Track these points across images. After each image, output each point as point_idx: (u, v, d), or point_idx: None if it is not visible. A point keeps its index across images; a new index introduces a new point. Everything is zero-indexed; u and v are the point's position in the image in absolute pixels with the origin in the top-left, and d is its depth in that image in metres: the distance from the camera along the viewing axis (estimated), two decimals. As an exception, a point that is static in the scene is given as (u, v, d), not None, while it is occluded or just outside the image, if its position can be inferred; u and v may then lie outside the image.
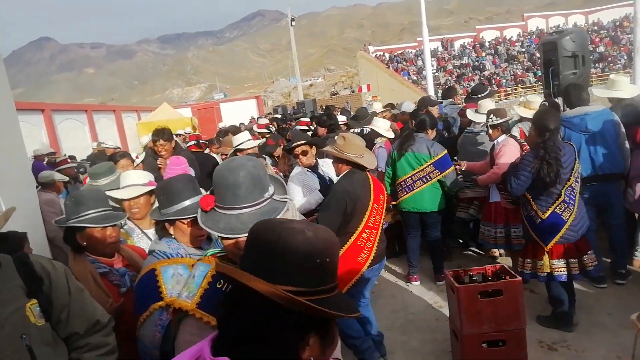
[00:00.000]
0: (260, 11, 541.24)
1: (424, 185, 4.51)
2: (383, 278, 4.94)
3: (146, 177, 3.02)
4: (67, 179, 5.88)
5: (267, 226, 0.93)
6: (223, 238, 1.41)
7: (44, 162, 8.92)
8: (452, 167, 4.55)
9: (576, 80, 5.21)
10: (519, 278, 3.08)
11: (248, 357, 0.86)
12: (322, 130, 5.85)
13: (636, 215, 4.50)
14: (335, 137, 3.37)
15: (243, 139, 4.57)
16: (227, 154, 4.93)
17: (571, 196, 3.41)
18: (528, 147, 3.89)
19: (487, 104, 4.94)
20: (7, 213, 1.77)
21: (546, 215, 3.40)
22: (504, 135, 4.23)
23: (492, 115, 4.24)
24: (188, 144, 7.21)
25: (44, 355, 1.49)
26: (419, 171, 4.50)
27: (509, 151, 4.09)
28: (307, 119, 7.34)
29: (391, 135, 5.27)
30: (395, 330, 3.91)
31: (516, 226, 4.19)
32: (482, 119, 4.69)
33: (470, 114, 4.95)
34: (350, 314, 0.94)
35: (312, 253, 0.88)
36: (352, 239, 3.17)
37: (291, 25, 25.77)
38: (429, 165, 4.48)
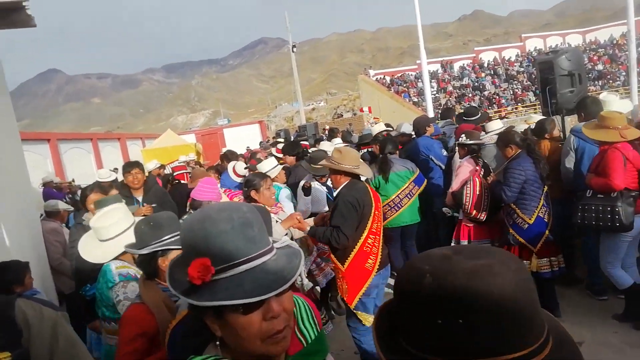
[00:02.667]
0: (262, 39, 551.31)
1: (409, 202, 4.89)
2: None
3: (124, 215, 2.70)
4: (72, 208, 5.93)
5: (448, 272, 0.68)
6: (244, 306, 0.94)
7: (54, 189, 9.05)
8: (425, 182, 5.05)
9: (573, 99, 5.27)
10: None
11: None
12: (290, 159, 5.92)
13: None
14: (332, 152, 3.63)
15: (270, 166, 4.58)
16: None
17: (547, 200, 3.91)
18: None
19: (495, 125, 5.12)
20: None
21: (532, 220, 3.86)
22: (468, 155, 4.53)
23: (463, 135, 4.59)
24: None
25: None
26: (404, 189, 4.87)
27: (462, 172, 4.42)
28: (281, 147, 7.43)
29: None
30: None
31: (477, 242, 4.41)
32: (487, 139, 4.83)
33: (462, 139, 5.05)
34: None
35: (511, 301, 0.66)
36: (359, 245, 3.30)
37: (292, 51, 26.21)
38: (411, 182, 4.90)
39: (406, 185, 4.86)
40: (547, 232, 3.92)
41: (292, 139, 15.60)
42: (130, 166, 4.70)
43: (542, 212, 3.89)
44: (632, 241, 3.72)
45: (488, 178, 4.28)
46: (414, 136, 6.26)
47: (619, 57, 38.11)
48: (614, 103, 4.43)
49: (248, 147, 19.22)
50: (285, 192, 4.50)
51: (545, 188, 3.93)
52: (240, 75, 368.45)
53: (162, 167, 9.72)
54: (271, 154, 7.24)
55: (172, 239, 2.05)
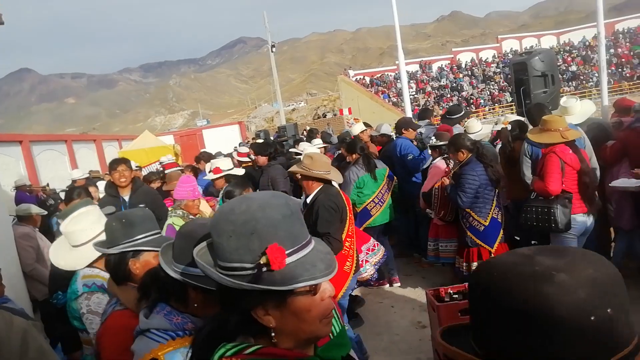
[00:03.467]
0: (241, 38, 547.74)
1: (389, 196, 5.03)
2: (367, 302, 4.93)
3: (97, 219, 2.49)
4: (45, 212, 5.78)
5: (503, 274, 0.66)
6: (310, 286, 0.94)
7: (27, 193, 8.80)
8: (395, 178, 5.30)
9: (547, 99, 5.38)
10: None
11: None
12: (262, 160, 5.77)
13: (612, 230, 4.60)
14: (302, 158, 3.65)
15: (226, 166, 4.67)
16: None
17: (499, 202, 4.09)
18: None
19: (475, 125, 5.23)
20: None
21: (487, 221, 4.02)
22: (440, 157, 4.67)
23: (433, 137, 4.72)
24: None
25: None
26: (384, 184, 5.00)
27: (433, 173, 4.58)
28: (246, 150, 7.29)
29: None
30: (379, 353, 3.88)
31: (445, 240, 4.60)
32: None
33: (432, 141, 5.23)
34: None
35: (585, 307, 0.59)
36: None
37: (272, 51, 26.10)
38: (386, 177, 5.07)
39: (385, 181, 5.03)
40: (501, 232, 4.09)
41: (271, 139, 15.57)
42: (117, 163, 4.44)
43: (495, 213, 4.06)
44: (581, 238, 3.78)
45: (443, 180, 4.38)
46: (394, 137, 6.30)
47: (591, 59, 39.14)
48: (575, 107, 4.49)
49: (236, 147, 19.02)
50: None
51: (497, 190, 4.11)
52: (219, 75, 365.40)
53: (139, 169, 9.55)
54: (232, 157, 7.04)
55: (146, 239, 1.88)
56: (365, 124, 6.99)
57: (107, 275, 2.02)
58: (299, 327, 0.96)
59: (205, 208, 4.23)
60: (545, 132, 3.71)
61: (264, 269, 0.92)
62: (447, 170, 4.47)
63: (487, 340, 0.69)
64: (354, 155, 5.06)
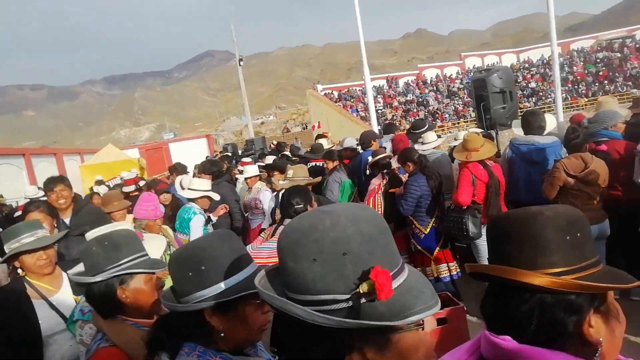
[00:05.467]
0: (209, 52, 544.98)
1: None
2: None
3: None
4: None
5: (502, 217, 0.90)
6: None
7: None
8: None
9: (505, 114, 5.58)
10: (462, 305, 3.18)
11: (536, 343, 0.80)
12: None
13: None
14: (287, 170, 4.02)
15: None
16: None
17: (442, 212, 4.33)
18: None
19: (430, 136, 5.43)
20: None
21: (428, 230, 4.27)
22: (380, 172, 4.90)
23: (369, 157, 5.08)
24: (126, 189, 6.91)
25: None
26: (355, 192, 5.34)
27: (370, 189, 4.83)
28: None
29: None
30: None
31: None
32: (425, 147, 5.27)
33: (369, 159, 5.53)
34: (628, 283, 0.83)
35: (561, 226, 0.83)
36: None
37: (239, 65, 26.06)
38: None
39: (353, 190, 5.33)
40: (441, 241, 4.33)
41: (239, 153, 15.47)
42: (53, 182, 3.81)
43: (436, 223, 4.32)
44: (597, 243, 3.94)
45: (396, 190, 4.57)
46: (360, 150, 6.37)
47: (549, 76, 40.94)
48: None
49: (208, 156, 18.81)
50: (199, 218, 4.43)
51: (440, 200, 4.39)
52: (186, 88, 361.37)
53: (101, 182, 9.29)
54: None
55: (134, 262, 1.66)
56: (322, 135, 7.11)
57: None
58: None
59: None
60: (464, 150, 4.19)
61: (363, 299, 0.73)
62: (378, 187, 4.68)
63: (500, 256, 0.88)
64: (334, 162, 5.50)
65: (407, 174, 4.46)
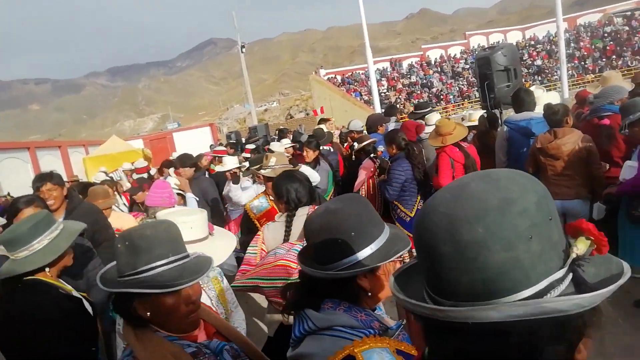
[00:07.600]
0: (211, 40, 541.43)
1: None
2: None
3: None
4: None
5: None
6: None
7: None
8: None
9: (510, 92, 5.46)
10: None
11: None
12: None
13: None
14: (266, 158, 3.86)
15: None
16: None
17: (425, 196, 4.31)
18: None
19: (434, 117, 5.30)
20: None
21: (413, 213, 4.28)
22: (367, 157, 5.02)
23: (355, 143, 5.13)
24: (136, 176, 6.93)
25: None
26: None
27: (360, 174, 4.90)
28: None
29: None
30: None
31: None
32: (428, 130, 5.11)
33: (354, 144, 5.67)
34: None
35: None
36: None
37: (242, 52, 25.82)
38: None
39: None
40: None
41: (243, 140, 15.40)
42: (41, 180, 3.35)
43: (420, 206, 4.32)
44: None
45: (381, 177, 4.61)
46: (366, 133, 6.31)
47: (555, 53, 40.25)
48: (541, 97, 4.64)
49: (212, 144, 18.76)
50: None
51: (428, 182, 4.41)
52: (189, 77, 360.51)
53: (105, 174, 9.31)
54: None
55: (155, 271, 1.32)
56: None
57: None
58: None
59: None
60: (438, 136, 4.24)
61: (580, 266, 0.60)
62: (372, 169, 4.75)
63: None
64: (316, 152, 5.41)
65: (389, 158, 4.51)
